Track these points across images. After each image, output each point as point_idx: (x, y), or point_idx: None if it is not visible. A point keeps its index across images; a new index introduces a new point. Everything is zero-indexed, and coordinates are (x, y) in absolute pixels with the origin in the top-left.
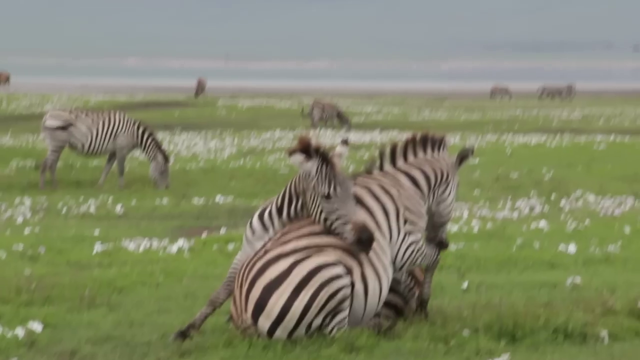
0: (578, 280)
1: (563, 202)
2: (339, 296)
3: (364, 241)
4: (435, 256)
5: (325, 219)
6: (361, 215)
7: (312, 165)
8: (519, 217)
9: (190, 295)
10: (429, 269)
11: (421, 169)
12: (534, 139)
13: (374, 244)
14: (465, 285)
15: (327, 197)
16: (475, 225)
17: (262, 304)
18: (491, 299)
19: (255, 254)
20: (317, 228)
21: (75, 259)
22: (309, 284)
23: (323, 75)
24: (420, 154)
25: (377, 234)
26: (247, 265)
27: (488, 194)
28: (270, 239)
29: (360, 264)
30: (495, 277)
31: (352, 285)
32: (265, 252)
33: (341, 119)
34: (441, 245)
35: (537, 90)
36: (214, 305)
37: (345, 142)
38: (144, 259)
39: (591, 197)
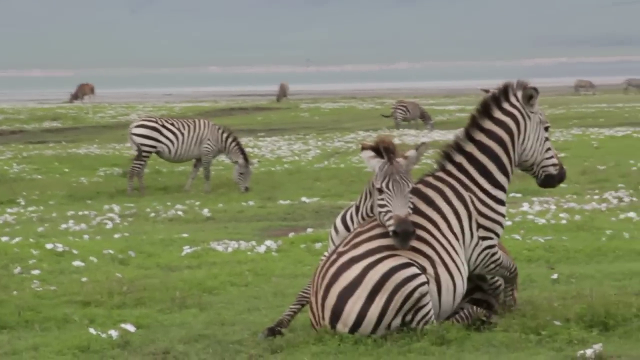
0: None
1: None
2: (416, 295)
3: (399, 234)
4: (512, 268)
5: (379, 213)
6: (409, 214)
7: (377, 163)
8: (607, 208)
9: (279, 293)
10: (508, 280)
11: (488, 148)
12: (620, 132)
13: (446, 244)
14: (555, 276)
15: (380, 191)
16: (564, 217)
17: (339, 312)
18: (582, 290)
19: (328, 258)
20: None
21: (164, 262)
22: (384, 288)
23: (404, 77)
24: (486, 121)
25: (449, 235)
26: (321, 271)
27: (575, 188)
28: (343, 240)
29: (433, 264)
30: (585, 268)
31: (428, 281)
32: (339, 256)
33: (424, 118)
34: (551, 179)
35: (621, 84)
36: (302, 302)
37: (417, 149)
38: (233, 259)
39: None
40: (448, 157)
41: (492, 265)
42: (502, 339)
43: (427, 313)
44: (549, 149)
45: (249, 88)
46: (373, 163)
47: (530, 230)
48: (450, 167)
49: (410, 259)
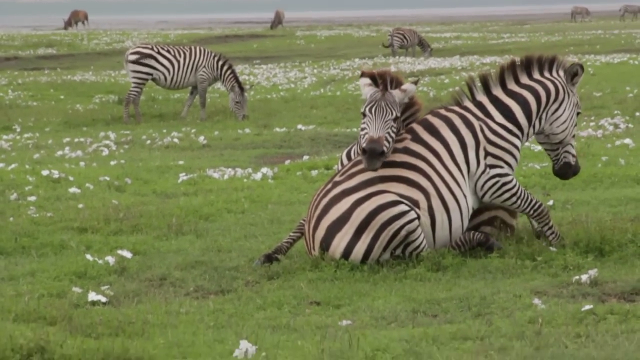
0: None
1: None
2: (403, 233)
3: (367, 151)
4: (535, 203)
5: (360, 137)
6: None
7: (370, 90)
8: (603, 135)
9: (275, 220)
10: (537, 217)
11: (519, 95)
12: (617, 59)
13: (445, 176)
14: (550, 203)
15: (363, 115)
16: None
17: (327, 245)
18: (577, 216)
19: (324, 186)
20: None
21: (161, 189)
22: (370, 225)
23: (400, 4)
24: (524, 78)
25: (451, 166)
26: (315, 200)
27: None
28: (342, 168)
29: (428, 197)
30: (580, 194)
31: (418, 217)
32: (333, 186)
33: (422, 46)
34: (568, 168)
35: (618, 11)
36: (302, 230)
37: (416, 82)
38: (229, 186)
39: None
40: (468, 93)
41: (507, 195)
42: (497, 265)
43: (418, 247)
44: (574, 135)
45: (244, 15)
46: (366, 90)
47: (526, 157)
48: (467, 103)
49: (402, 194)
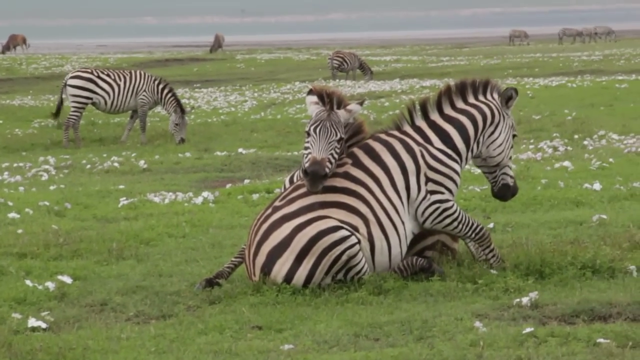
0: (604, 217)
1: (586, 142)
2: (344, 258)
3: (308, 174)
4: (477, 227)
5: (302, 156)
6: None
7: (316, 109)
8: (543, 158)
9: (216, 244)
10: (479, 240)
11: (456, 120)
12: (555, 82)
13: (385, 202)
14: (491, 225)
15: (307, 134)
16: None
17: (268, 271)
18: (518, 239)
19: (264, 211)
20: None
21: (101, 214)
22: (311, 251)
23: (340, 27)
24: (460, 102)
25: (391, 192)
26: (255, 225)
27: None
28: (281, 193)
29: (367, 223)
30: (521, 217)
31: (359, 242)
32: (273, 211)
33: (363, 69)
34: (507, 190)
35: (557, 34)
36: (243, 256)
37: (361, 103)
38: (170, 211)
39: (614, 136)
40: (408, 118)
41: (448, 220)
42: (439, 288)
43: (360, 271)
44: (511, 157)
45: (184, 39)
46: (312, 109)
47: (467, 180)
48: (407, 127)
49: (342, 220)
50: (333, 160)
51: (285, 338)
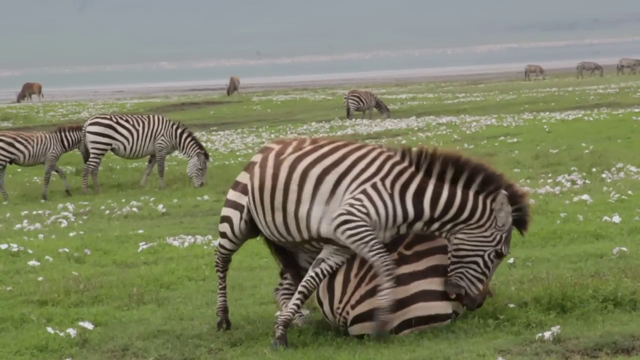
0: (624, 249)
1: (604, 175)
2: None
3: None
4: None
5: None
6: None
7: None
8: (561, 192)
9: (237, 286)
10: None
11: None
12: (572, 115)
13: None
14: (511, 260)
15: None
16: None
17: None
18: (538, 273)
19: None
20: None
21: (121, 259)
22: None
23: (356, 67)
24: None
25: None
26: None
27: (528, 172)
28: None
29: None
30: (540, 251)
31: None
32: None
33: (380, 108)
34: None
35: (576, 68)
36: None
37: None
38: (189, 254)
39: (632, 169)
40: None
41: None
42: (460, 325)
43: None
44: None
45: (200, 82)
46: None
47: None
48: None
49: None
50: None
51: None
